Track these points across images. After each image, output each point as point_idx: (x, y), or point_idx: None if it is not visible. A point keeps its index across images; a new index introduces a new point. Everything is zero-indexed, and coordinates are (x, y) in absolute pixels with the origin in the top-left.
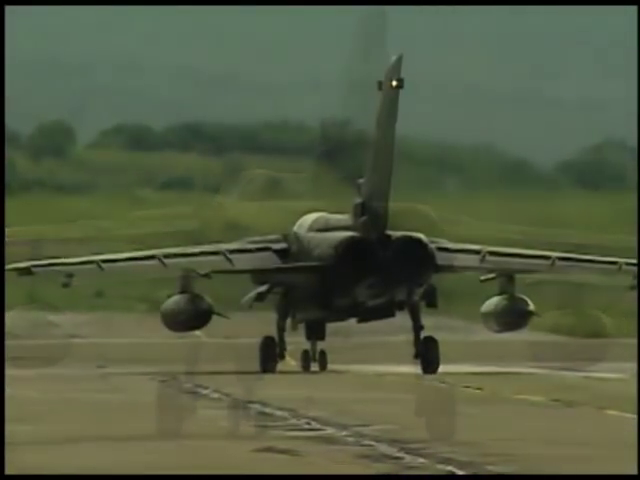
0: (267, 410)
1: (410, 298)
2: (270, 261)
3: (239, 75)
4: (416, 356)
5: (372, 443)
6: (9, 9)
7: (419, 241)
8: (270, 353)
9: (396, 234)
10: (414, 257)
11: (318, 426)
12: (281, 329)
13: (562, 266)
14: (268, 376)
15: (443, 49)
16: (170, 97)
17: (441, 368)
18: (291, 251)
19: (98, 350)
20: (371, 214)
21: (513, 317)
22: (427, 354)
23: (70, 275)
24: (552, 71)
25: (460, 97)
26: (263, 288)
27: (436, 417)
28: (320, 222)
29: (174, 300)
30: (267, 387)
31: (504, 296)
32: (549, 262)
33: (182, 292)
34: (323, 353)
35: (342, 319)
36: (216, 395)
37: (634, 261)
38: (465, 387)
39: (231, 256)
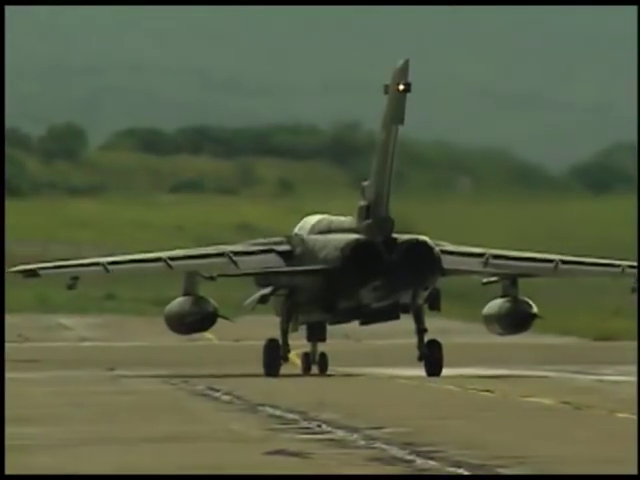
0: (278, 413)
1: (415, 301)
2: (275, 263)
3: (250, 77)
4: (420, 359)
5: (383, 446)
6: (22, 11)
7: (425, 244)
8: (274, 356)
9: (402, 237)
10: (420, 260)
11: (329, 429)
12: (284, 331)
13: (565, 269)
14: (278, 379)
15: (455, 51)
16: (181, 99)
17: (451, 371)
18: (295, 253)
19: (109, 353)
20: (377, 217)
21: (517, 320)
22: (431, 357)
23: (75, 277)
24: (563, 74)
25: (471, 100)
26: (267, 290)
27: (447, 420)
28: (323, 224)
29: (178, 302)
30: (277, 390)
31: (507, 299)
32: (552, 265)
33: (186, 294)
34: (324, 355)
35: (346, 321)
36: (227, 398)
37: (636, 264)
38: (475, 390)
39: (236, 258)
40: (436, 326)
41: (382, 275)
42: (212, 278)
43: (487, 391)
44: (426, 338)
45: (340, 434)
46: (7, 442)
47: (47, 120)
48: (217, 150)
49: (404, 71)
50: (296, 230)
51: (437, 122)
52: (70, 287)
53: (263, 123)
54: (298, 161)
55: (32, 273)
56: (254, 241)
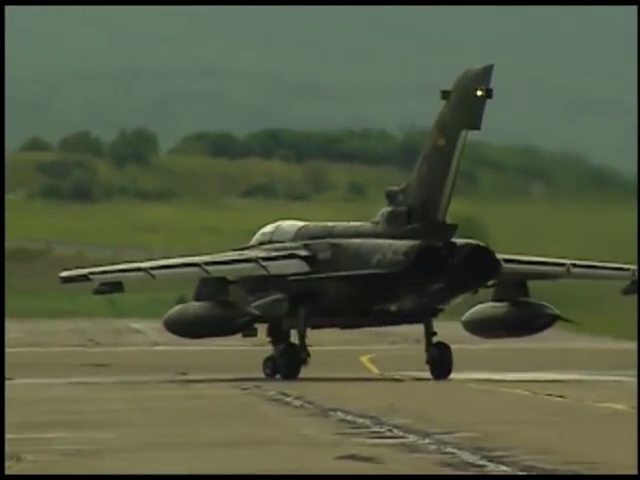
0: (349, 417)
1: (445, 304)
2: (300, 268)
3: (321, 81)
4: (427, 362)
5: (454, 451)
6: (95, 14)
7: (486, 249)
8: (293, 359)
9: (460, 241)
10: (482, 264)
11: (400, 433)
12: (302, 335)
13: (577, 272)
14: (349, 383)
15: (531, 55)
16: (252, 104)
17: (522, 375)
18: (319, 258)
19: (180, 357)
20: (430, 222)
21: (539, 322)
22: (442, 359)
23: (117, 283)
24: (635, 78)
25: (546, 104)
26: (279, 295)
27: (519, 425)
28: (315, 230)
29: (202, 306)
30: (348, 394)
31: (511, 302)
32: (564, 269)
33: (208, 298)
34: None
35: (370, 325)
36: (298, 402)
37: (637, 265)
38: (547, 395)
39: (264, 263)
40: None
41: (443, 279)
42: (233, 282)
43: (559, 396)
44: (434, 340)
45: (411, 439)
46: (79, 447)
47: (118, 125)
48: (288, 154)
49: (485, 76)
50: (258, 239)
51: (511, 126)
52: (98, 292)
53: (334, 128)
54: (368, 166)
55: (84, 278)
56: (265, 246)
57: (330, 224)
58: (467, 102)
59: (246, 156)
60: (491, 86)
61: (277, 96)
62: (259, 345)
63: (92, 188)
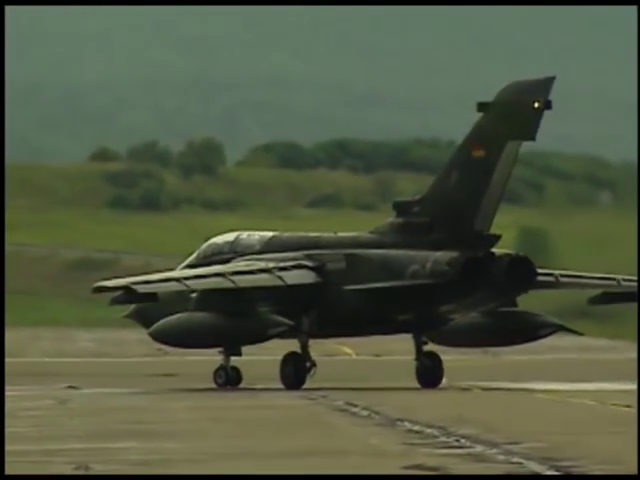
0: (416, 427)
1: (467, 314)
2: (311, 278)
3: (388, 91)
4: (418, 370)
5: (522, 461)
6: (164, 24)
7: (526, 259)
8: (298, 368)
9: (500, 252)
10: (522, 275)
11: (468, 444)
12: (305, 345)
13: (566, 282)
14: (416, 393)
15: (599, 64)
16: (319, 114)
17: (590, 385)
18: (330, 268)
19: (248, 367)
20: (458, 232)
21: (540, 330)
22: (434, 369)
23: (152, 293)
24: None
25: (614, 113)
26: (266, 307)
27: (586, 435)
28: (290, 241)
29: (209, 317)
30: (416, 404)
31: (499, 310)
32: (553, 278)
33: (222, 308)
34: (236, 369)
35: (369, 334)
36: (366, 412)
37: (632, 277)
38: (614, 405)
39: (278, 274)
40: (574, 343)
41: (484, 290)
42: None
43: (625, 406)
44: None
45: (479, 449)
46: (147, 456)
47: (186, 135)
48: (355, 164)
49: (544, 88)
50: (207, 250)
51: (579, 135)
52: (116, 302)
53: (401, 137)
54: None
55: (126, 290)
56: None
57: (312, 234)
58: (518, 113)
59: (313, 166)
60: (550, 98)
61: (344, 106)
62: (328, 355)
63: (160, 198)
